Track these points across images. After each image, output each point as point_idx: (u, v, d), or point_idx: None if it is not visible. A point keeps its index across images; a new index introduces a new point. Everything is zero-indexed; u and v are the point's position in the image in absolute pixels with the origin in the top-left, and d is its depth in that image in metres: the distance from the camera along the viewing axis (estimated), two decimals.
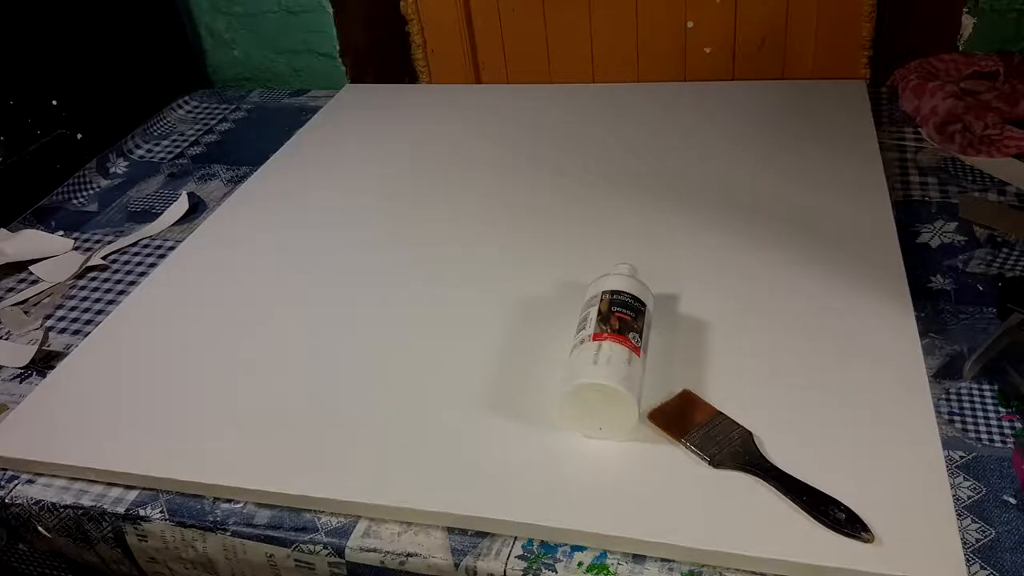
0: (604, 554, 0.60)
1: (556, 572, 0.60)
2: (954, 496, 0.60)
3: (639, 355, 0.67)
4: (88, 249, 1.04)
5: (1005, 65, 1.08)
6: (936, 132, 1.03)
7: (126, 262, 1.01)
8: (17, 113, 1.14)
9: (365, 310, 0.85)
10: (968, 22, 1.16)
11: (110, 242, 1.05)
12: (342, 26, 1.38)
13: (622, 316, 0.69)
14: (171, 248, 1.01)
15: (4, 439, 0.75)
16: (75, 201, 1.15)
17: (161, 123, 1.33)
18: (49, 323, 0.92)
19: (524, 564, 0.60)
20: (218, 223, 1.02)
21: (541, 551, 0.61)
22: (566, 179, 1.01)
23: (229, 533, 0.66)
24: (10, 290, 0.98)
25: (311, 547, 0.64)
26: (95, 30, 1.26)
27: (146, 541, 0.69)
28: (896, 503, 0.59)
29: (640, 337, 0.69)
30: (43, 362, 0.86)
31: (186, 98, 1.39)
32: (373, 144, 1.15)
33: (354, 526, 0.65)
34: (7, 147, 1.13)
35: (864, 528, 0.57)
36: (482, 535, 0.63)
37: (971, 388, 0.70)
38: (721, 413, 0.67)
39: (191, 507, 0.68)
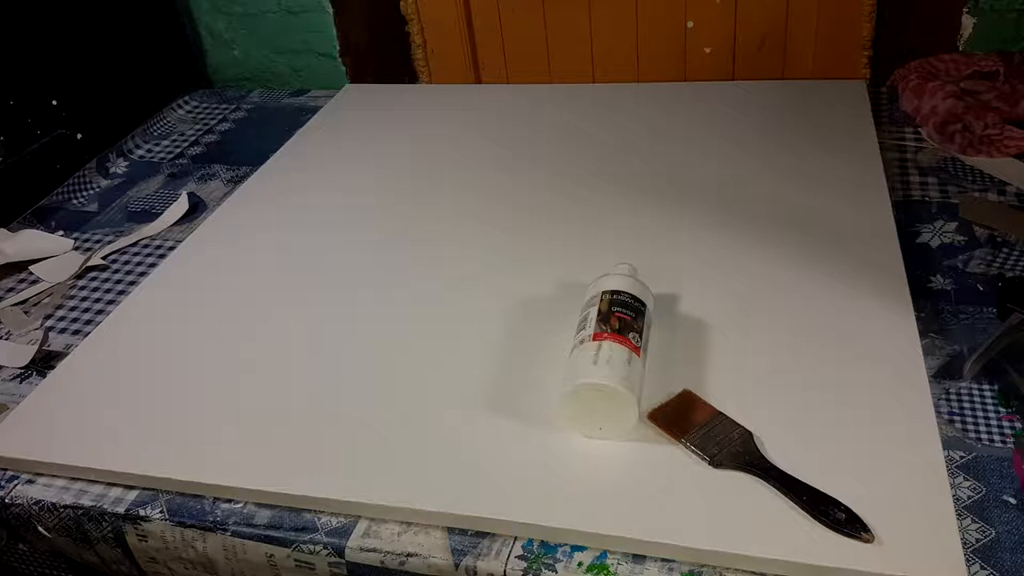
0: (604, 554, 0.60)
1: (556, 572, 0.60)
2: (954, 496, 0.60)
3: (639, 355, 0.67)
4: (88, 249, 1.04)
5: (1005, 65, 1.08)
6: (936, 132, 1.03)
7: (126, 262, 1.01)
8: (17, 113, 1.14)
9: (365, 310, 0.85)
10: (968, 22, 1.16)
11: (110, 242, 1.05)
12: (342, 26, 1.38)
13: (622, 316, 0.69)
14: (171, 248, 1.01)
15: (4, 439, 0.75)
16: (75, 201, 1.15)
17: (161, 123, 1.33)
18: (49, 323, 0.92)
19: (524, 564, 0.60)
20: (218, 223, 1.02)
21: (541, 551, 0.61)
22: (566, 179, 1.01)
23: (229, 533, 0.66)
24: (10, 290, 0.98)
25: (311, 547, 0.64)
26: (95, 30, 1.26)
27: (146, 541, 0.69)
28: (896, 503, 0.59)
29: (640, 337, 0.69)
30: (43, 362, 0.86)
31: (186, 98, 1.39)
32: (373, 144, 1.15)
33: (354, 526, 0.65)
34: (7, 147, 1.13)
35: (864, 528, 0.57)
36: (482, 535, 0.63)
37: (971, 388, 0.70)
38: (721, 413, 0.67)
39: (191, 507, 0.68)
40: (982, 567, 0.57)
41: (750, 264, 0.84)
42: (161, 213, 1.09)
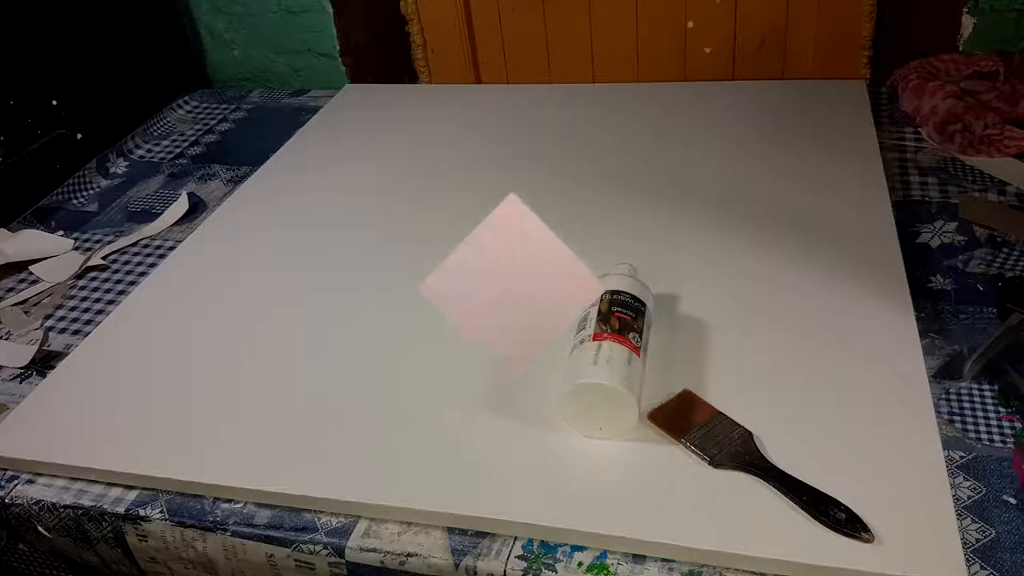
0: (604, 554, 0.60)
1: (556, 572, 0.60)
2: (954, 496, 0.60)
3: (639, 355, 0.67)
4: (88, 249, 1.04)
5: (1005, 65, 1.08)
6: (936, 132, 1.03)
7: (126, 262, 1.01)
8: (17, 113, 1.14)
9: (365, 310, 0.85)
10: (968, 22, 1.16)
11: (110, 242, 1.05)
12: (342, 26, 1.38)
13: (622, 316, 0.69)
14: (171, 248, 1.01)
15: (4, 439, 0.75)
16: (75, 201, 1.15)
17: (161, 123, 1.33)
18: (49, 323, 0.92)
19: (524, 564, 0.60)
20: (218, 223, 1.02)
21: (541, 551, 0.61)
22: (566, 179, 1.01)
23: (229, 533, 0.66)
24: (10, 290, 0.98)
25: (311, 547, 0.64)
26: (95, 30, 1.26)
27: (146, 541, 0.69)
28: (896, 503, 0.59)
29: (640, 337, 0.69)
30: (43, 362, 0.86)
31: (186, 98, 1.39)
32: (373, 144, 1.15)
33: (354, 526, 0.65)
34: (7, 147, 1.13)
35: (864, 528, 0.57)
36: (482, 535, 0.63)
37: (971, 388, 0.70)
38: (721, 413, 0.67)
39: (191, 507, 0.68)
40: (982, 567, 0.57)
41: (750, 264, 0.84)
42: (161, 213, 1.09)
